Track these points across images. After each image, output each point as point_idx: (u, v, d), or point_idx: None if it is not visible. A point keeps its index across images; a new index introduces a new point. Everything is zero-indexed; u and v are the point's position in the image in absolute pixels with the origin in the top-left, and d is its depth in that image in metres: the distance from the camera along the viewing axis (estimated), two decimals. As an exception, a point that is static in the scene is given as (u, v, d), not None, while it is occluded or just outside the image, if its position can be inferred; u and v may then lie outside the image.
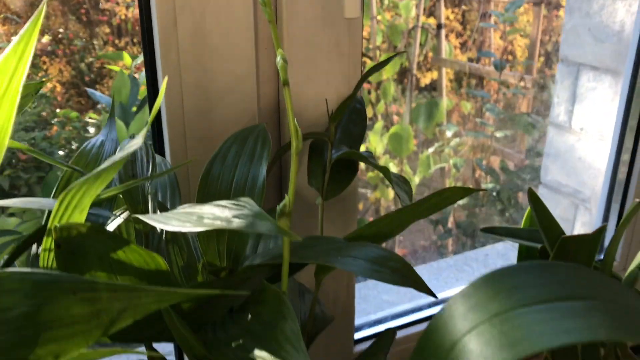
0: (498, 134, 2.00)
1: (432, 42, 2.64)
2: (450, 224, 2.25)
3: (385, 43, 2.56)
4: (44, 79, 0.44)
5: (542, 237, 0.72)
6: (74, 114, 1.72)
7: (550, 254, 0.67)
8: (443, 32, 2.58)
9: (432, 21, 2.50)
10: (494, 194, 2.06)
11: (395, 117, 2.53)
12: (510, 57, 2.31)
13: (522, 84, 2.04)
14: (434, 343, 0.30)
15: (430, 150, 2.19)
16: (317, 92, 0.63)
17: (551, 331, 0.26)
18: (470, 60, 2.42)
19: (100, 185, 0.36)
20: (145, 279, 0.40)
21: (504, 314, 0.28)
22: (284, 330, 0.36)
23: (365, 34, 2.54)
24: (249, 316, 0.41)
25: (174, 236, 0.48)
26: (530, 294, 0.28)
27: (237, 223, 0.36)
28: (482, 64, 2.25)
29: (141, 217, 0.38)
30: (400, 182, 0.61)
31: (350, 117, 0.66)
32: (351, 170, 0.63)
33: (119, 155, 0.35)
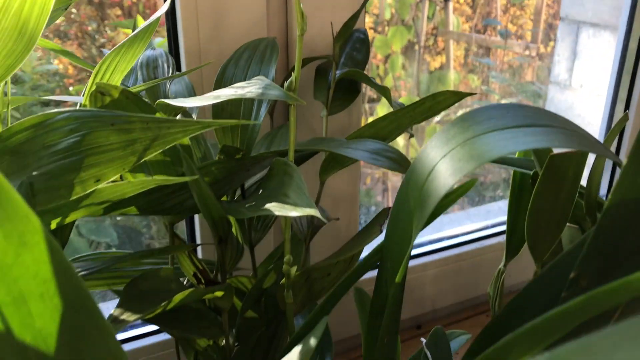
0: (503, 102, 2.03)
1: (440, 15, 2.66)
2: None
3: (393, 17, 2.59)
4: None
5: (534, 164, 0.76)
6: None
7: (540, 173, 0.71)
8: (451, 4, 2.61)
9: (439, -7, 2.53)
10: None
11: (403, 92, 2.57)
12: (514, 27, 2.34)
13: (527, 52, 2.08)
14: (415, 174, 0.35)
15: (437, 119, 2.23)
16: (323, 21, 0.68)
17: (513, 143, 0.31)
18: (477, 31, 2.45)
19: (134, 52, 0.41)
20: (167, 149, 0.46)
21: (473, 139, 0.33)
22: (290, 185, 0.41)
23: (374, 9, 2.57)
24: (260, 190, 0.47)
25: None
26: (499, 123, 0.33)
27: (250, 93, 0.41)
28: (489, 34, 2.28)
29: (165, 100, 0.43)
30: (398, 106, 0.66)
31: (354, 46, 0.71)
32: (354, 91, 0.68)
33: (147, 22, 0.41)
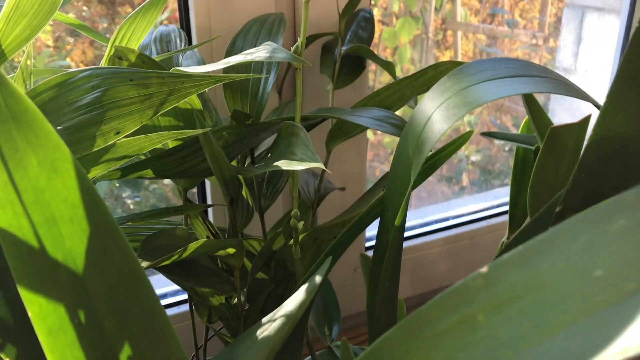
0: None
1: (448, 6, 2.68)
2: (464, 182, 2.31)
3: (400, 9, 2.60)
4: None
5: (537, 139, 0.78)
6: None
7: (541, 146, 0.73)
8: (458, -5, 2.62)
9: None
10: (507, 149, 2.12)
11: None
12: (521, 16, 2.35)
13: (534, 41, 2.09)
14: (412, 125, 0.37)
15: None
16: (328, 0, 0.70)
17: (504, 90, 0.34)
18: (483, 22, 2.46)
19: (149, 19, 0.44)
20: (180, 113, 0.48)
21: (466, 88, 0.35)
22: (297, 144, 0.43)
23: (383, 2, 2.59)
24: (269, 154, 0.49)
25: (203, 102, 0.56)
26: (491, 74, 0.35)
27: (258, 57, 0.43)
28: (496, 24, 2.29)
29: (179, 68, 0.46)
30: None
31: (360, 24, 0.73)
32: (359, 66, 0.70)
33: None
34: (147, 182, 1.14)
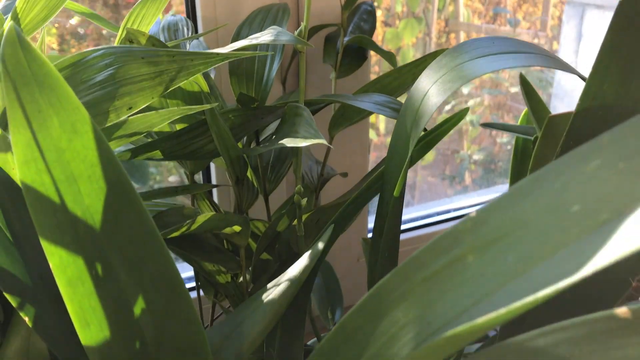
0: (513, 90, 2.07)
1: (450, 7, 2.70)
2: (467, 182, 2.32)
3: (403, 9, 2.63)
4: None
5: (536, 130, 0.80)
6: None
7: (539, 135, 0.75)
8: (460, -4, 2.63)
9: (448, -15, 2.55)
10: (508, 147, 2.13)
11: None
12: (524, 19, 2.36)
13: (536, 40, 2.10)
14: (410, 101, 0.39)
15: (447, 107, 2.26)
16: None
17: (497, 64, 0.35)
18: (486, 23, 2.47)
19: (159, 5, 0.46)
20: (188, 96, 0.50)
21: (461, 64, 0.37)
22: (300, 123, 0.45)
23: (385, 3, 2.61)
24: (274, 136, 0.51)
25: (210, 88, 0.57)
26: (485, 51, 0.37)
27: (264, 40, 0.45)
28: (498, 24, 2.31)
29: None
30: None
31: (361, 17, 0.75)
32: (361, 57, 0.72)
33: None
34: (151, 178, 1.16)
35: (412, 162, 0.43)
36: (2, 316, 0.38)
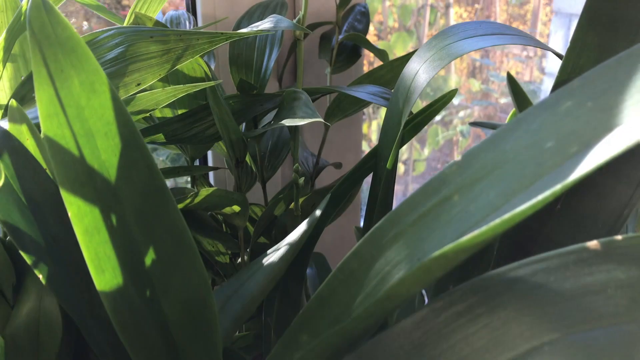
0: (502, 101, 2.11)
1: (441, 20, 2.74)
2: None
3: (396, 22, 2.67)
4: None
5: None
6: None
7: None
8: (452, 10, 2.68)
9: (440, -2, 2.60)
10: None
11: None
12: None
13: (524, 53, 2.15)
14: (402, 81, 0.42)
15: (437, 118, 2.30)
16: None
17: (481, 43, 0.38)
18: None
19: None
20: (190, 81, 0.53)
21: (449, 45, 0.40)
22: (299, 106, 0.48)
23: (378, 17, 2.66)
24: (272, 121, 0.53)
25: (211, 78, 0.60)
26: (472, 32, 0.40)
27: (265, 27, 0.48)
28: (488, 37, 2.35)
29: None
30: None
31: (355, 17, 0.78)
32: (355, 55, 0.75)
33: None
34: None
35: (404, 141, 0.46)
36: (15, 279, 0.39)
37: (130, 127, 0.31)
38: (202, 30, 0.59)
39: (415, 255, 0.26)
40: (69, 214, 0.29)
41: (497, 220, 0.21)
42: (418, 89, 0.39)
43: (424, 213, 0.26)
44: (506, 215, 0.20)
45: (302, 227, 0.39)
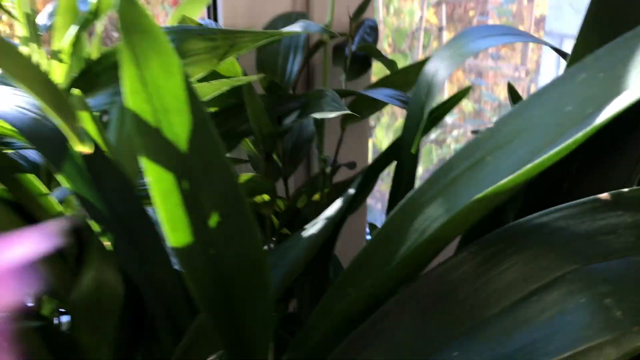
0: (495, 119, 2.18)
1: (434, 43, 2.82)
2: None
3: (390, 46, 2.75)
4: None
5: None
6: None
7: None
8: (445, 33, 2.76)
9: (434, 21, 2.68)
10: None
11: (400, 118, 2.70)
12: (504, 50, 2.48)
13: (516, 74, 2.22)
14: (423, 76, 0.47)
15: (432, 136, 2.36)
16: (340, 8, 0.81)
17: (493, 42, 0.43)
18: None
19: (200, 4, 0.53)
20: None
21: (463, 46, 0.45)
22: (326, 102, 0.53)
23: (371, 40, 2.73)
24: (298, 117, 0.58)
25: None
26: (485, 34, 0.45)
27: (295, 29, 0.53)
28: (480, 59, 2.43)
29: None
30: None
31: (365, 31, 0.84)
32: (366, 64, 0.80)
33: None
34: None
35: (425, 130, 0.51)
36: (77, 250, 0.44)
37: (199, 106, 0.35)
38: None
39: (453, 209, 0.31)
40: (149, 179, 0.34)
41: (528, 166, 0.25)
42: (439, 83, 0.44)
43: (460, 173, 0.31)
44: (536, 161, 0.25)
45: (338, 203, 0.44)
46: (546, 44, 0.45)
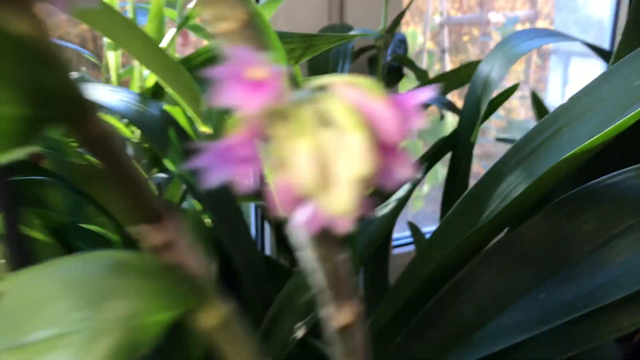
0: (499, 135, 2.23)
1: (437, 66, 2.89)
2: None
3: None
4: None
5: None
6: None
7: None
8: (447, 55, 2.83)
9: (436, 44, 2.75)
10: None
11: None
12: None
13: (520, 93, 2.29)
14: (477, 74, 0.52)
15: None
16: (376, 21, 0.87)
17: (538, 43, 0.49)
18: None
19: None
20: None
21: (511, 49, 0.50)
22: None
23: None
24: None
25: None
26: (530, 36, 0.51)
27: (354, 32, 0.59)
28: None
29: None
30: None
31: (397, 44, 0.90)
32: (399, 74, 0.86)
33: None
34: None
35: (482, 120, 0.56)
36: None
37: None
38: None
39: (534, 175, 0.36)
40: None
41: (605, 130, 0.31)
42: (496, 81, 0.49)
43: (539, 144, 0.36)
44: (611, 126, 0.30)
45: (406, 186, 0.49)
46: (590, 45, 0.51)
